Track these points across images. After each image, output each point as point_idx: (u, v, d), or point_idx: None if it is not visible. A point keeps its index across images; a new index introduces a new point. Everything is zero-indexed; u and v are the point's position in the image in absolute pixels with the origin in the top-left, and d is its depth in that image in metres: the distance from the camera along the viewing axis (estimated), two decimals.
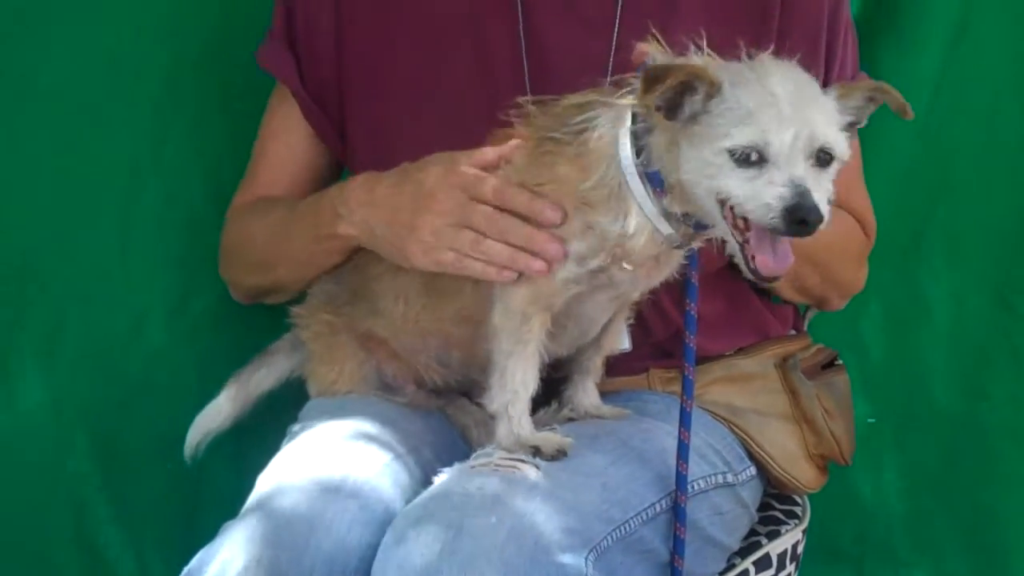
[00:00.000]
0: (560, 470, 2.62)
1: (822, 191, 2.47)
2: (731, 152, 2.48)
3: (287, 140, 3.25)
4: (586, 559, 2.51)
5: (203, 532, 2.69)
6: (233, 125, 3.60)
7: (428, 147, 2.85)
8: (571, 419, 2.91)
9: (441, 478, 2.61)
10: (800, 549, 3.20)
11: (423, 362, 2.98)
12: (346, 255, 2.99)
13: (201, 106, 3.63)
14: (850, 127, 2.60)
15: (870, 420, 3.77)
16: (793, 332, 3.27)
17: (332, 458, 2.71)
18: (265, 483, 2.70)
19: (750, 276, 2.54)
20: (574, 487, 2.60)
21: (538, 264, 2.67)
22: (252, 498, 2.68)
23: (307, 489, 2.62)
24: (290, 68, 3.20)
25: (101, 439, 3.66)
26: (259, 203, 3.22)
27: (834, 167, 2.51)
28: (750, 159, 2.47)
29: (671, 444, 2.78)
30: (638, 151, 2.60)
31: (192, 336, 3.69)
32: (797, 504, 3.21)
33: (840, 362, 3.25)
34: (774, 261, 2.51)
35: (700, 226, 2.61)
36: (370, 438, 2.79)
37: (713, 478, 2.93)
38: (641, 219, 2.62)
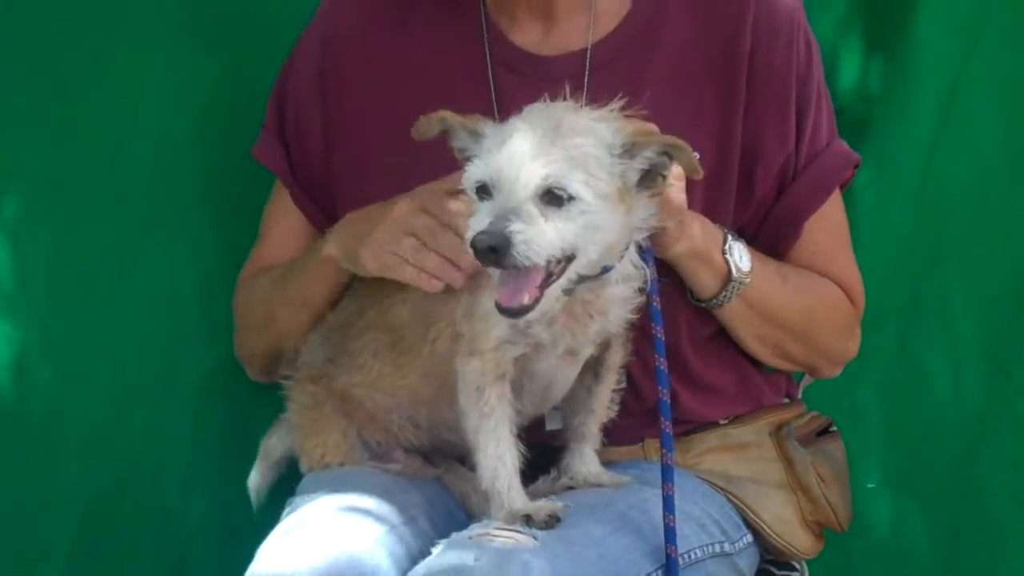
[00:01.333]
0: (557, 540, 2.65)
1: (548, 228, 2.53)
2: (473, 187, 2.61)
3: (287, 224, 3.37)
4: None
5: None
6: (218, 210, 3.72)
7: None
8: (570, 488, 2.94)
9: (438, 549, 2.64)
10: None
11: (396, 422, 3.03)
12: (334, 288, 3.11)
13: (188, 192, 3.72)
14: (647, 176, 2.65)
15: (870, 485, 3.81)
16: (787, 400, 3.31)
17: (327, 532, 2.75)
18: (264, 555, 2.74)
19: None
20: (571, 557, 2.64)
21: (459, 277, 2.78)
22: (251, 570, 2.72)
23: (305, 561, 2.66)
24: (281, 160, 3.35)
25: (93, 516, 3.70)
26: (259, 272, 3.35)
27: (575, 207, 2.55)
28: (484, 193, 2.58)
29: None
30: None
31: (181, 413, 3.74)
32: (795, 569, 3.25)
33: (834, 429, 3.29)
34: (508, 294, 2.58)
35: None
36: (365, 511, 2.82)
37: (710, 547, 2.97)
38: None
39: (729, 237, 2.97)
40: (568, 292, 2.66)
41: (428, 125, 2.72)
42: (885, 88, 3.74)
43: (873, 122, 3.71)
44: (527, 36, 3.10)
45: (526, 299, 2.56)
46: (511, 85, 3.04)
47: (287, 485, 3.07)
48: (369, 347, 2.98)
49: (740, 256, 2.98)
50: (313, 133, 3.28)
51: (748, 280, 2.98)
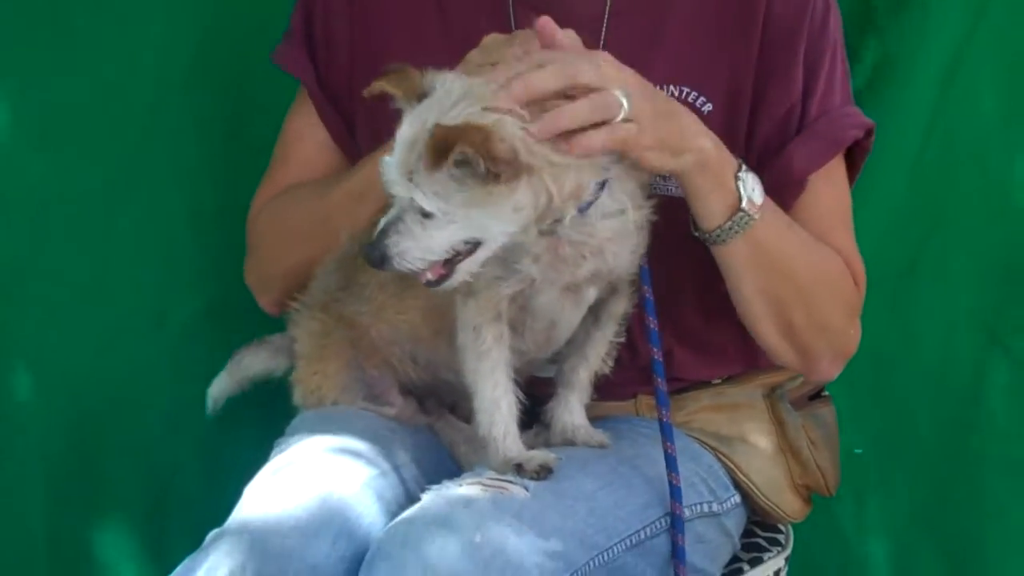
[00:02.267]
0: (548, 492, 2.67)
1: (424, 236, 2.58)
2: None
3: (313, 141, 3.29)
4: None
5: (176, 540, 2.74)
6: (213, 149, 3.74)
7: None
8: (569, 442, 2.92)
9: (428, 496, 2.66)
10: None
11: (397, 356, 3.02)
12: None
13: (181, 128, 3.73)
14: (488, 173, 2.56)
15: (857, 451, 3.85)
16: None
17: (315, 474, 2.76)
18: (251, 495, 2.75)
19: None
20: (561, 511, 2.66)
21: None
22: (238, 509, 2.73)
23: (292, 502, 2.67)
24: (308, 68, 3.26)
25: (78, 446, 3.74)
26: (282, 191, 3.28)
27: (442, 218, 2.57)
28: None
29: (658, 474, 2.85)
30: None
31: (168, 351, 3.78)
32: (780, 532, 3.27)
33: (827, 393, 3.31)
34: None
35: None
36: (355, 453, 2.83)
37: (698, 507, 2.99)
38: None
39: (743, 166, 2.86)
40: (548, 232, 2.66)
41: (374, 87, 2.69)
42: (887, 54, 3.77)
43: (874, 87, 3.74)
44: None
45: (430, 276, 2.62)
46: (532, 24, 3.01)
47: (275, 425, 3.07)
48: (376, 277, 2.96)
49: (753, 188, 2.85)
50: (341, 45, 3.22)
51: (758, 216, 2.84)
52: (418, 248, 2.58)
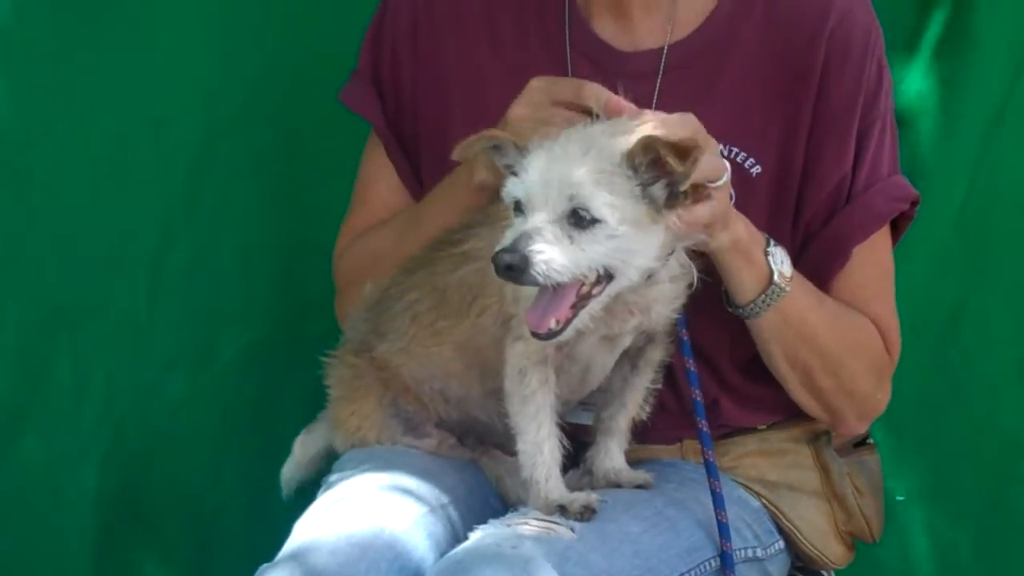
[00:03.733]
0: (594, 534, 2.72)
1: (572, 249, 2.59)
2: (511, 205, 2.67)
3: (387, 183, 3.33)
4: None
5: None
6: (264, 186, 3.80)
7: None
8: (613, 484, 2.97)
9: (476, 534, 2.71)
10: None
11: (428, 394, 3.05)
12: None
13: (234, 167, 3.79)
14: (670, 194, 2.66)
15: (899, 497, 3.86)
16: None
17: (367, 509, 2.81)
18: (301, 532, 2.80)
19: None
20: (606, 552, 2.71)
21: None
22: (288, 546, 2.78)
23: (342, 539, 2.72)
24: (378, 110, 3.30)
25: (124, 487, 3.78)
26: (366, 230, 3.31)
27: (599, 230, 2.60)
28: (519, 211, 2.65)
29: (705, 516, 2.91)
30: None
31: (215, 389, 3.83)
32: None
33: (872, 441, 3.33)
34: (536, 318, 2.65)
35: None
36: (405, 490, 2.88)
37: (743, 552, 3.03)
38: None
39: (771, 241, 2.96)
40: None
41: (473, 145, 2.75)
42: (932, 103, 3.80)
43: (919, 136, 3.76)
44: (607, 29, 3.14)
45: (552, 323, 2.62)
46: (585, 74, 3.05)
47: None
48: (410, 309, 3.01)
49: (782, 261, 2.96)
50: (406, 85, 3.27)
51: (788, 288, 2.95)
52: (566, 259, 2.58)
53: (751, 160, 3.07)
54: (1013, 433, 3.90)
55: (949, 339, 3.82)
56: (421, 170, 3.29)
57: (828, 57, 3.06)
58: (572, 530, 2.71)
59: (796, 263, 3.02)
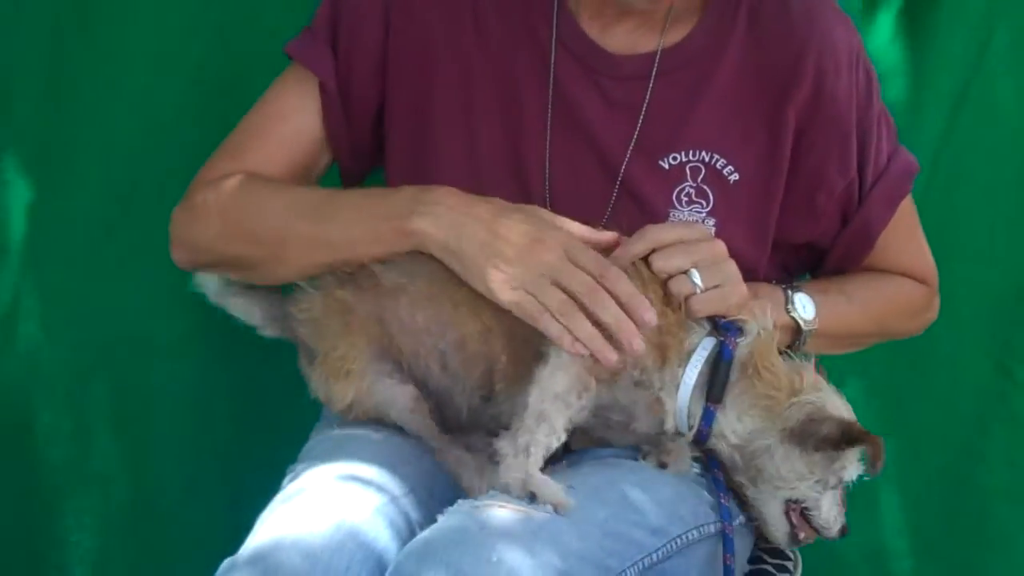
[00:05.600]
0: (562, 519, 2.75)
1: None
2: (844, 483, 2.94)
3: (297, 126, 3.24)
4: None
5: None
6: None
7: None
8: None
9: (444, 516, 2.75)
10: None
11: (426, 345, 3.02)
12: (394, 256, 3.00)
13: (169, 162, 3.72)
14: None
15: (864, 477, 3.89)
16: None
17: (329, 499, 2.83)
18: (264, 523, 2.82)
19: (790, 546, 3.05)
20: (576, 534, 2.74)
21: (613, 355, 2.82)
22: (251, 539, 2.80)
23: (305, 529, 2.74)
24: (329, 67, 3.21)
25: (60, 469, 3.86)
26: (265, 178, 3.19)
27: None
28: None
29: (670, 493, 2.95)
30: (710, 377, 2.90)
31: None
32: (789, 559, 3.34)
33: None
34: (811, 535, 3.00)
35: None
36: (366, 481, 2.89)
37: (706, 528, 3.03)
38: (672, 421, 2.94)
39: (789, 292, 3.14)
40: None
41: None
42: (893, 84, 3.84)
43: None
44: (596, 29, 3.17)
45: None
46: (571, 73, 3.13)
47: (290, 452, 3.14)
48: (429, 266, 2.97)
49: (803, 307, 3.14)
50: (368, 51, 3.20)
51: (816, 326, 3.14)
52: None
53: (730, 167, 3.14)
54: (979, 412, 3.94)
55: None
56: (385, 142, 3.26)
57: (818, 79, 3.14)
58: (543, 512, 2.74)
59: (824, 256, 3.29)
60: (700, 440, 2.94)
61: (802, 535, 3.00)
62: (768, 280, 3.20)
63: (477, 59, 3.19)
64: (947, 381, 3.96)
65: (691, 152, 3.13)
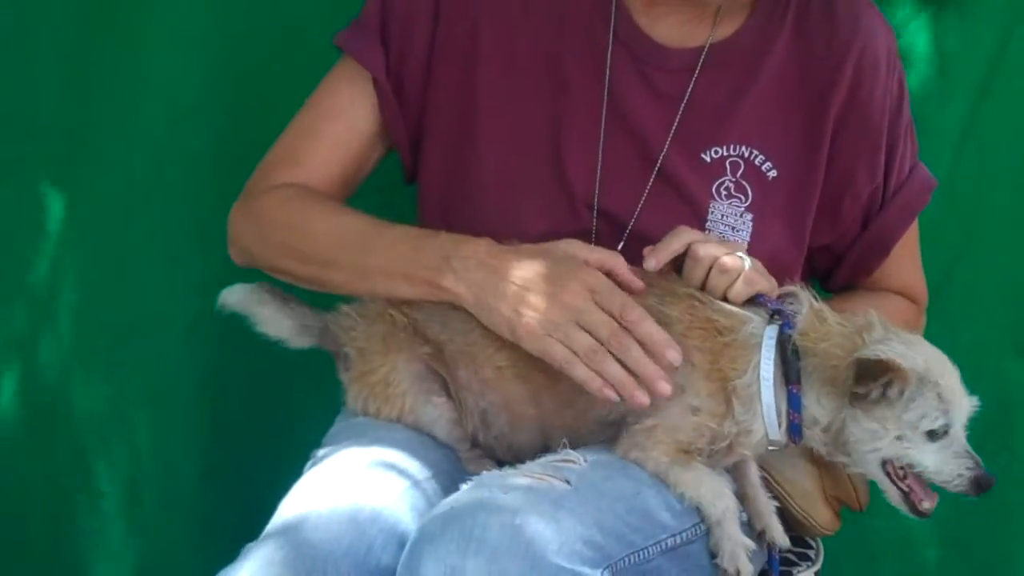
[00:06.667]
0: (589, 488, 2.77)
1: None
2: (930, 433, 2.86)
3: (351, 123, 3.29)
4: (603, 572, 2.67)
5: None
6: (221, 170, 3.74)
7: (502, 176, 3.11)
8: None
9: (469, 484, 2.76)
10: None
11: (468, 402, 3.06)
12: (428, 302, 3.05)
13: (193, 150, 3.81)
14: None
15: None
16: None
17: (353, 484, 2.85)
18: (287, 508, 2.84)
19: (911, 515, 2.96)
20: (600, 507, 2.76)
21: (645, 398, 2.85)
22: (273, 522, 2.82)
23: (328, 515, 2.76)
24: (380, 61, 3.24)
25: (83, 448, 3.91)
26: (321, 196, 3.24)
27: None
28: (938, 435, 2.86)
29: None
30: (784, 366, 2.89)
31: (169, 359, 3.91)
32: (811, 547, 3.35)
33: None
34: (932, 500, 2.95)
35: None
36: (389, 465, 2.92)
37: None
38: (761, 425, 2.90)
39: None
40: None
41: None
42: (916, 72, 3.83)
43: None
44: (646, 18, 3.21)
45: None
46: (621, 62, 3.18)
47: (311, 437, 3.16)
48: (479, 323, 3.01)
49: None
50: (418, 45, 3.23)
51: None
52: None
53: (768, 164, 3.19)
54: (1002, 399, 3.93)
55: (935, 306, 3.81)
56: (420, 141, 3.29)
57: (855, 81, 3.20)
58: (568, 482, 2.75)
59: (840, 261, 3.33)
60: (794, 435, 2.92)
61: (924, 503, 2.96)
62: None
63: (524, 46, 3.21)
64: (970, 369, 3.92)
65: (732, 147, 3.18)
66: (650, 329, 2.86)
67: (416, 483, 2.91)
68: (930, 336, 3.78)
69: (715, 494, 2.89)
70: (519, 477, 2.75)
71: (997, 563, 4.06)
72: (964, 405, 2.91)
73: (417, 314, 3.06)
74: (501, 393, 3.03)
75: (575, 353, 2.86)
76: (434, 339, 3.05)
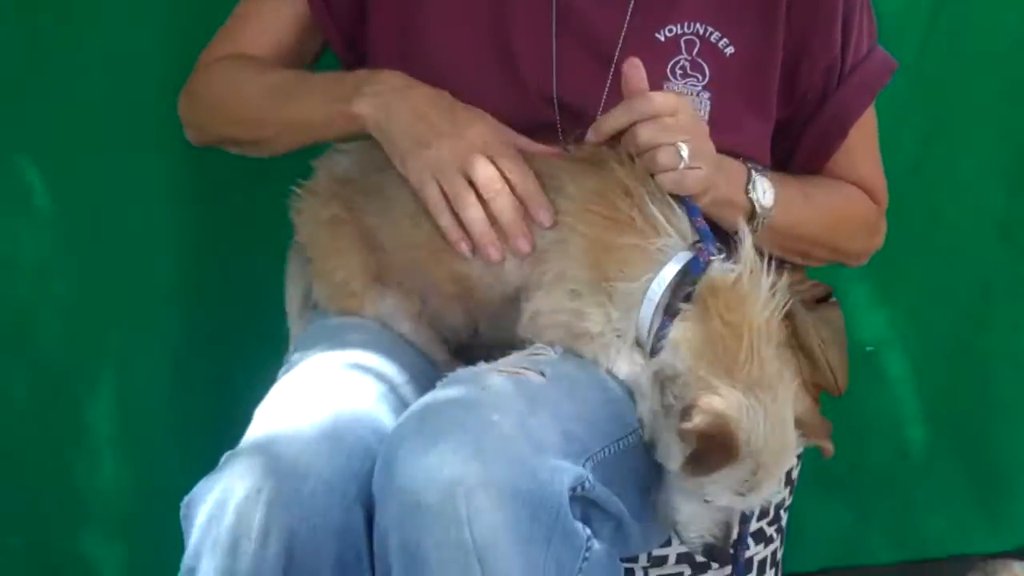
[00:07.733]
0: (564, 380, 2.76)
1: None
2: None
3: (283, 10, 3.28)
4: (584, 464, 2.66)
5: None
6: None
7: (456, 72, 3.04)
8: None
9: (444, 382, 2.75)
10: (795, 474, 3.37)
11: (408, 286, 3.06)
12: (345, 139, 3.06)
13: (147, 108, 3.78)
14: None
15: (868, 348, 3.91)
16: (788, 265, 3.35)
17: (329, 388, 2.82)
18: (263, 415, 2.82)
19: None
20: (576, 399, 2.75)
21: (497, 253, 2.85)
22: (251, 430, 2.80)
23: (305, 420, 2.73)
24: None
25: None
26: (251, 61, 3.24)
27: None
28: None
29: None
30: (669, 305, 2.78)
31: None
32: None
33: (835, 299, 3.37)
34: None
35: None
36: (365, 368, 2.89)
37: None
38: (633, 334, 2.83)
39: (753, 173, 3.07)
40: None
41: None
42: None
43: None
44: None
45: None
46: None
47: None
48: (411, 203, 2.96)
49: (763, 192, 3.06)
50: None
51: (772, 214, 3.07)
52: None
53: (725, 40, 3.13)
54: (982, 278, 3.96)
55: (911, 189, 3.86)
56: (370, 29, 3.23)
57: None
58: (542, 375, 2.75)
59: (796, 144, 3.22)
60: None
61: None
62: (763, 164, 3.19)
63: None
64: (947, 249, 3.97)
65: (686, 24, 3.11)
66: (531, 187, 2.84)
67: (393, 387, 2.89)
68: (909, 220, 3.85)
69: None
70: (493, 373, 2.74)
71: (978, 438, 4.11)
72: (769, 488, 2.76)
73: (360, 199, 3.04)
74: (428, 273, 3.01)
75: (446, 195, 2.86)
76: (373, 228, 3.04)
